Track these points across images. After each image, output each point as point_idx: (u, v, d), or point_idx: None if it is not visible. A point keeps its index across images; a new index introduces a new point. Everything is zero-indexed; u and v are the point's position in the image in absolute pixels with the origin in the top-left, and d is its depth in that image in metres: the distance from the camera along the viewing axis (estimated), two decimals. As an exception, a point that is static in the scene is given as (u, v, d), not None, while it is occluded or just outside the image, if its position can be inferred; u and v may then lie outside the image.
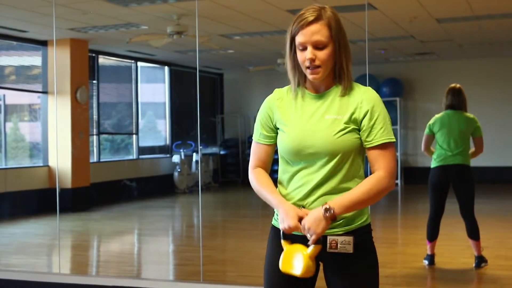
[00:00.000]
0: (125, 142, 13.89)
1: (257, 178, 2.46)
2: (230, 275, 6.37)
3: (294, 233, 2.35)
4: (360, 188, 2.32)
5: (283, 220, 2.32)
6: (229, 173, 15.91)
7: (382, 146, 2.36)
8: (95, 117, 12.40)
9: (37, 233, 9.09)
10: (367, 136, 2.36)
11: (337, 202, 2.28)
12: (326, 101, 2.39)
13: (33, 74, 11.73)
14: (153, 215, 11.26)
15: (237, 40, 11.16)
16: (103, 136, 12.94)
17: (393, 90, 14.31)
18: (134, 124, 13.66)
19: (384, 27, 10.04)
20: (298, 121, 2.39)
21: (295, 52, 2.38)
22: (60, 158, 11.04)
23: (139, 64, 13.75)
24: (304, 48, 2.34)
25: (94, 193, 11.66)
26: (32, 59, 11.55)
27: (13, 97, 11.66)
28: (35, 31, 10.19)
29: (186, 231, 9.92)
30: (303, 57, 2.34)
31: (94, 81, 12.30)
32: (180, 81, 14.83)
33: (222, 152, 15.95)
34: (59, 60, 10.95)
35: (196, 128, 14.21)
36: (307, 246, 2.32)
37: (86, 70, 11.51)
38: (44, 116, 11.36)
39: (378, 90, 14.47)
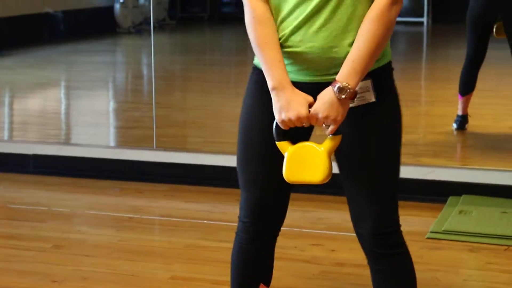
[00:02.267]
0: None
1: (257, 28, 2.38)
2: (192, 140, 6.46)
3: (297, 129, 2.35)
4: (365, 34, 2.30)
5: (287, 108, 2.30)
6: (191, 6, 15.80)
7: None
8: None
9: None
10: None
11: (347, 71, 2.28)
12: None
13: None
14: (87, 62, 11.24)
15: None
16: None
17: None
18: None
19: None
20: None
21: None
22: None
23: None
24: None
25: (3, 31, 11.53)
26: None
27: None
28: None
29: (132, 84, 9.96)
30: None
31: None
32: None
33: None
34: None
35: None
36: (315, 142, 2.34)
37: None
38: None
39: None
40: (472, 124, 6.25)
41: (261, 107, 2.42)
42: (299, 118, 2.29)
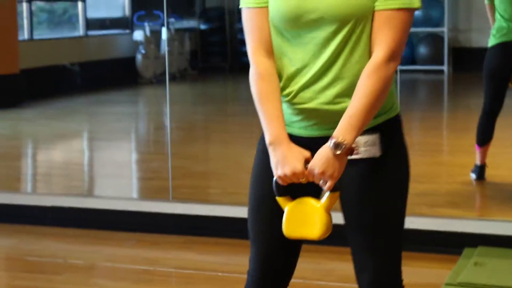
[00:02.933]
0: (68, 12, 13.83)
1: (260, 84, 2.41)
2: (210, 191, 6.49)
3: (298, 185, 2.36)
4: (362, 90, 2.31)
5: (283, 163, 2.32)
6: (212, 56, 15.91)
7: (396, 12, 2.34)
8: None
9: None
10: None
11: (344, 127, 2.29)
12: None
13: None
14: (107, 113, 11.33)
15: None
16: (37, 4, 12.85)
17: None
18: (79, -14, 13.56)
19: None
20: None
21: None
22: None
23: None
24: None
25: (26, 83, 11.64)
26: None
27: None
28: None
29: (152, 134, 10.02)
30: None
31: None
32: None
33: (202, 27, 15.90)
34: None
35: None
36: (316, 197, 2.35)
37: None
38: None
39: None
40: (491, 174, 6.23)
41: (268, 166, 2.42)
42: (294, 174, 2.30)
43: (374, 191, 2.44)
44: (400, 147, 2.50)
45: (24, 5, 12.34)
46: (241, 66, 15.78)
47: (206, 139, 9.31)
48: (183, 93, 12.92)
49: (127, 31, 14.42)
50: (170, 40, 13.50)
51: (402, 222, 2.50)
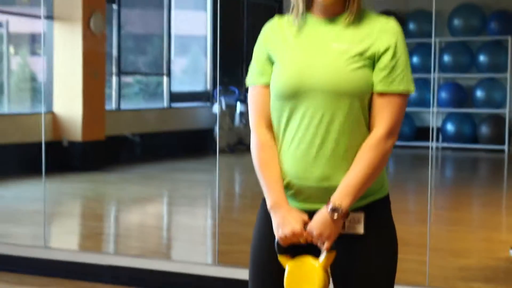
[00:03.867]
0: (153, 86, 14.11)
1: (260, 153, 2.48)
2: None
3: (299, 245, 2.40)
4: (361, 161, 2.35)
5: (283, 225, 2.37)
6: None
7: (395, 96, 2.38)
8: (114, 52, 12.61)
9: (34, 197, 9.34)
10: (383, 78, 2.37)
11: (341, 193, 2.34)
12: (335, 28, 2.41)
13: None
14: (184, 180, 11.42)
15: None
16: (124, 78, 13.15)
17: (502, 26, 14.05)
18: (165, 62, 13.85)
19: None
20: (298, 50, 2.42)
21: None
22: (68, 104, 11.35)
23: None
24: None
25: (111, 149, 11.92)
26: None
27: (19, 24, 11.95)
28: None
29: (224, 201, 10.09)
30: None
31: (114, 6, 12.47)
32: (227, 8, 14.86)
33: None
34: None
35: (242, 69, 14.28)
36: (314, 256, 2.37)
37: (101, -9, 11.73)
38: (48, 48, 11.58)
39: (484, 26, 14.30)
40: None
41: (269, 230, 2.46)
42: (294, 234, 2.35)
43: (358, 267, 2.43)
44: (386, 227, 2.49)
45: (113, 78, 12.68)
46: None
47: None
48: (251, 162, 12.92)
49: (208, 104, 14.62)
50: (244, 113, 13.66)
51: None
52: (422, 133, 13.95)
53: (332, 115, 2.37)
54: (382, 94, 2.38)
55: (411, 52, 14.85)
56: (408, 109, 14.57)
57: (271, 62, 2.48)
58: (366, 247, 2.43)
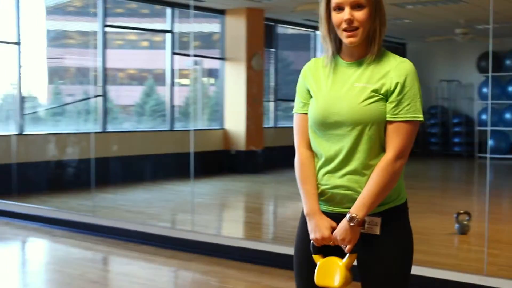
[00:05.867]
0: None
1: (301, 169, 2.43)
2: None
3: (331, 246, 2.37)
4: (374, 179, 2.29)
5: (315, 230, 2.35)
6: (409, 145, 15.63)
7: (403, 123, 2.29)
8: (272, 84, 12.80)
9: (202, 192, 9.60)
10: (391, 109, 2.29)
11: (358, 205, 2.28)
12: (358, 70, 2.34)
13: (213, 40, 12.38)
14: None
15: (411, 9, 10.92)
16: (281, 103, 13.32)
17: None
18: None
19: None
20: (328, 89, 2.38)
21: (329, 16, 2.36)
22: (235, 122, 11.63)
23: (318, 33, 13.89)
24: (341, 9, 2.31)
25: (268, 157, 12.08)
26: (212, 26, 12.20)
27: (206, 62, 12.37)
28: (212, 1, 10.74)
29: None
30: (340, 19, 2.30)
31: (271, 49, 12.67)
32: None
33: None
34: (235, 29, 11.46)
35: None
36: (341, 257, 2.33)
37: (261, 38, 11.92)
38: (221, 81, 11.95)
39: None
40: None
41: (306, 234, 2.43)
42: (323, 238, 2.32)
43: (375, 265, 2.36)
44: (401, 229, 2.39)
45: (272, 103, 12.88)
46: (430, 153, 15.46)
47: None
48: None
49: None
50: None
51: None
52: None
53: (354, 140, 2.32)
54: (391, 122, 2.30)
55: (509, 81, 14.23)
56: (505, 128, 14.04)
57: (310, 95, 2.45)
58: (382, 246, 2.35)
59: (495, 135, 14.12)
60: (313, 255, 2.38)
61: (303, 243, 2.48)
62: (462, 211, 6.39)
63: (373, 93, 2.30)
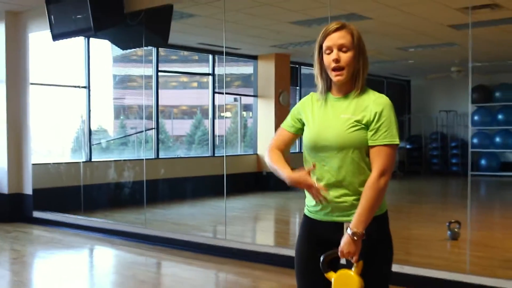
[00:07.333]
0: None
1: (271, 156, 2.47)
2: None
3: (334, 261, 2.32)
4: (364, 197, 2.26)
5: (299, 180, 2.29)
6: (413, 164, 15.36)
7: (382, 147, 2.27)
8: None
9: (237, 207, 9.58)
10: (371, 136, 2.29)
11: (356, 221, 2.24)
12: (345, 103, 2.35)
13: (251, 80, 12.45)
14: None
15: (412, 52, 10.84)
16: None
17: None
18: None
19: None
20: (319, 119, 2.39)
21: (321, 59, 2.37)
22: (265, 147, 11.58)
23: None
24: (330, 51, 2.32)
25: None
26: (248, 68, 12.27)
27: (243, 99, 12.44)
28: (247, 48, 10.81)
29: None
30: (329, 59, 2.32)
31: (296, 87, 12.64)
32: (372, 87, 14.65)
33: (408, 146, 15.48)
34: (266, 70, 11.51)
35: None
36: (349, 268, 2.28)
37: (287, 78, 11.91)
38: (254, 114, 11.96)
39: None
40: None
41: (306, 243, 2.40)
42: (306, 179, 2.27)
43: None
44: (383, 234, 2.36)
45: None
46: (432, 172, 15.21)
47: (404, 218, 8.92)
48: (393, 187, 12.56)
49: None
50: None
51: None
52: (505, 166, 13.03)
53: (340, 162, 2.31)
54: (372, 146, 2.29)
55: (498, 111, 13.95)
56: (495, 150, 13.72)
57: (300, 122, 2.47)
58: (368, 250, 2.29)
59: (486, 156, 13.82)
60: (325, 274, 2.30)
61: (302, 245, 2.45)
62: (453, 220, 6.29)
63: (356, 123, 2.31)
